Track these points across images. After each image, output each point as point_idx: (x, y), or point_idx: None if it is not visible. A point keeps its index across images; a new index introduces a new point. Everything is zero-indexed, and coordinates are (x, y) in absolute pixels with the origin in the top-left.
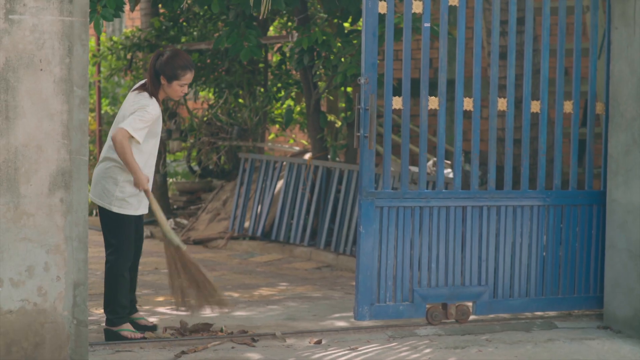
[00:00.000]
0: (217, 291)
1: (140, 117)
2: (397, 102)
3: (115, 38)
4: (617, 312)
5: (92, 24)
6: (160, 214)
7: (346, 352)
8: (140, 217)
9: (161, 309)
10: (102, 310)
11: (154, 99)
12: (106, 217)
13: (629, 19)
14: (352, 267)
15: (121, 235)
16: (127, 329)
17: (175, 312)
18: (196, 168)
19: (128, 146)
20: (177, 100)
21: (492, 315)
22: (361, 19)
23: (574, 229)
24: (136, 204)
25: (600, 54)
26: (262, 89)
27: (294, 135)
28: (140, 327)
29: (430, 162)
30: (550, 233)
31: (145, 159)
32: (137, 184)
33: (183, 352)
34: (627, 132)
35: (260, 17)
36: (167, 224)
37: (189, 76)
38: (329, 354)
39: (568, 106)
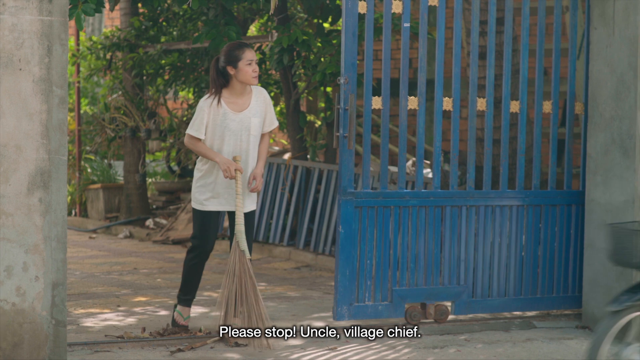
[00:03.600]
0: (263, 318)
1: (193, 118)
2: (376, 102)
3: (94, 38)
4: (595, 311)
5: (73, 20)
6: (239, 211)
7: (325, 352)
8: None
9: (139, 309)
10: (82, 310)
11: (206, 96)
12: None
13: (608, 19)
14: (331, 267)
15: (193, 227)
16: (179, 311)
17: (153, 313)
18: (175, 168)
19: (193, 143)
20: (254, 83)
21: (470, 315)
22: (341, 19)
23: (552, 229)
24: (201, 200)
25: (580, 54)
26: None
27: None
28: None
29: (410, 162)
30: (529, 233)
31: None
32: (222, 168)
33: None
34: (606, 132)
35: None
36: (241, 225)
37: (248, 53)
38: (307, 353)
39: (547, 106)
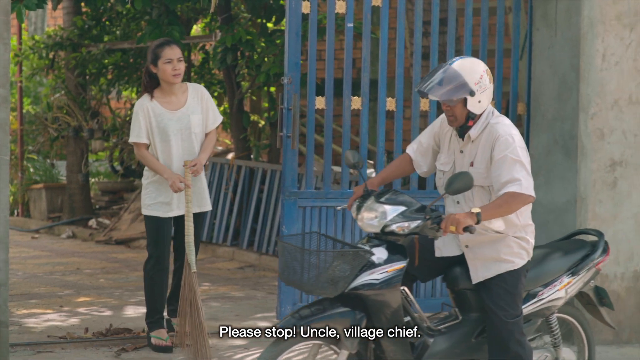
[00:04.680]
0: (205, 336)
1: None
2: (320, 102)
3: (37, 37)
4: None
5: (14, 14)
6: (189, 220)
7: None
8: (180, 220)
9: (82, 310)
10: (24, 311)
11: (142, 96)
12: None
13: (550, 20)
14: (274, 267)
15: (146, 234)
16: (155, 336)
17: (96, 313)
18: (118, 168)
19: (141, 153)
20: (175, 82)
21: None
22: (285, 19)
23: None
24: (150, 204)
25: (522, 54)
26: None
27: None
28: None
29: None
30: None
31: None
32: (169, 184)
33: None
34: (548, 132)
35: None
36: (191, 236)
37: (168, 51)
38: (251, 353)
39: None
